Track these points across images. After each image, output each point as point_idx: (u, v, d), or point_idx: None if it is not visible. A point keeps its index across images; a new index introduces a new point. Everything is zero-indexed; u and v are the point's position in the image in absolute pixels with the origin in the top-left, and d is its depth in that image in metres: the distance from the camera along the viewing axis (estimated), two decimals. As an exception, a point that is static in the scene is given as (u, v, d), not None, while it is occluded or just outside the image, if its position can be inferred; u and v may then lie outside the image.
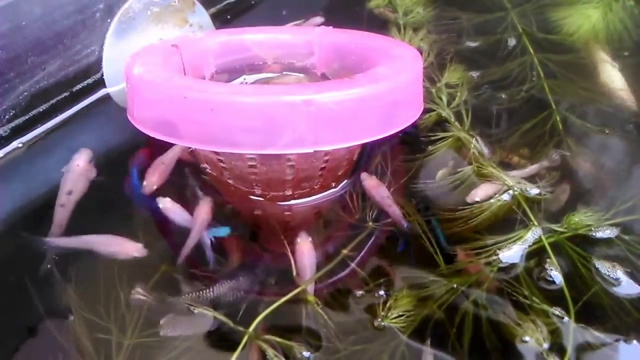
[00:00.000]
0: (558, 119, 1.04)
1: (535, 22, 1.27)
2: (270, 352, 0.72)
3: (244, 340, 0.73)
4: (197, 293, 0.78)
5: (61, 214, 0.88)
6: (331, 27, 1.00)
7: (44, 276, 0.80)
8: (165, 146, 0.92)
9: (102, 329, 0.75)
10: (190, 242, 0.84)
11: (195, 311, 0.76)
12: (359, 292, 0.78)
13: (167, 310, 0.77)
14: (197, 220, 0.85)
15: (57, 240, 0.85)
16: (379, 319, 0.75)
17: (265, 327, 0.75)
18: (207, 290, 0.79)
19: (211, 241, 0.84)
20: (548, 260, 0.81)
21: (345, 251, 0.83)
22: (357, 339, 0.74)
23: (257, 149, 0.76)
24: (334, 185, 0.92)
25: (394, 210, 0.87)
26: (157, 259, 0.83)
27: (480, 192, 0.90)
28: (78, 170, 0.93)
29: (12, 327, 0.77)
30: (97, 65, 1.06)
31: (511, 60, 1.18)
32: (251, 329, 0.74)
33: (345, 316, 0.76)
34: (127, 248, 0.84)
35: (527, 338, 0.72)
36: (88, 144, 0.98)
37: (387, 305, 0.76)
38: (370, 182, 0.91)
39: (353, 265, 0.82)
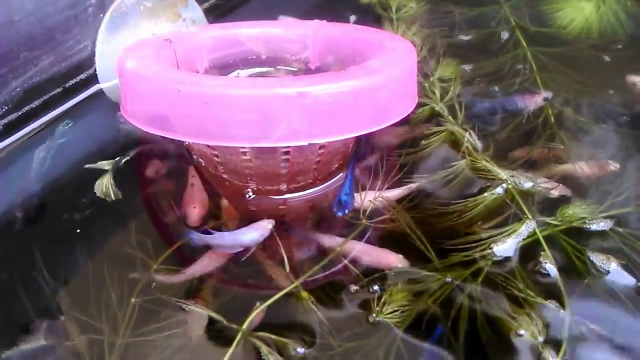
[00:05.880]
0: (550, 112, 1.04)
1: (528, 15, 1.28)
2: (264, 349, 0.71)
3: (237, 338, 0.72)
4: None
5: None
6: (325, 21, 1.00)
7: (34, 276, 0.80)
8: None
9: (94, 328, 0.74)
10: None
11: (187, 309, 0.76)
12: (353, 288, 0.78)
13: (159, 308, 0.76)
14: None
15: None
16: (374, 315, 0.75)
17: (259, 323, 0.74)
18: None
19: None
20: (542, 253, 0.80)
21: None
22: (351, 335, 0.73)
23: (251, 142, 0.75)
24: (328, 179, 0.91)
25: None
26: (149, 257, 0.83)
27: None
28: None
29: (2, 327, 0.76)
30: (89, 60, 1.06)
31: (504, 54, 1.18)
32: (244, 326, 0.73)
33: (340, 312, 0.76)
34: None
35: (522, 331, 0.72)
36: (81, 140, 0.98)
37: (382, 300, 0.76)
38: None
39: (346, 261, 0.82)
